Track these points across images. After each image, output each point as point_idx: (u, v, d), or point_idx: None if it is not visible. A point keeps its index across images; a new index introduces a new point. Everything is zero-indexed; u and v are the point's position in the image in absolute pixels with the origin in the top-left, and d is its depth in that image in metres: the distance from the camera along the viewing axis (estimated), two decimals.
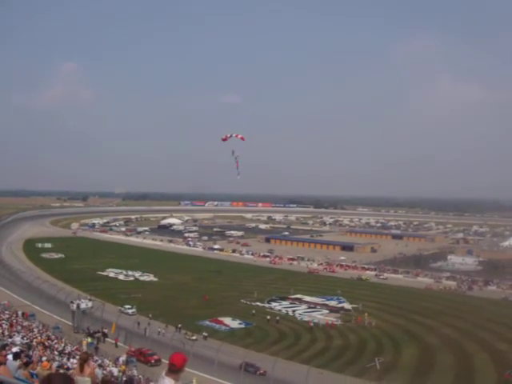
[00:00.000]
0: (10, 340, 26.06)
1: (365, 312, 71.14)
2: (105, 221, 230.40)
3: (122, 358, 45.23)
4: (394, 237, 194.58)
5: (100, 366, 34.82)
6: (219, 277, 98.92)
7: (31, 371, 12.68)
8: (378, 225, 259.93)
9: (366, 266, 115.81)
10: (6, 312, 47.20)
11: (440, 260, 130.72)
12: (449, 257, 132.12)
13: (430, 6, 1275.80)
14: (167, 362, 6.65)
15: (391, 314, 72.25)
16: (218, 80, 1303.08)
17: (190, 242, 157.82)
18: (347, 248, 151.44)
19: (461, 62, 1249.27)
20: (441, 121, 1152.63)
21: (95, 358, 38.43)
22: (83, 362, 10.08)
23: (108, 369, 35.55)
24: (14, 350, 18.04)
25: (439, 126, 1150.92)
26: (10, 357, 13.34)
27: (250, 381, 44.58)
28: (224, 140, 37.47)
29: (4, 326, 34.27)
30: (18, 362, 12.90)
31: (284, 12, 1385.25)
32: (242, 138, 37.99)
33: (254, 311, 71.01)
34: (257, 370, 46.89)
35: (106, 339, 54.18)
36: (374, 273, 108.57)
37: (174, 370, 6.25)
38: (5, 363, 10.83)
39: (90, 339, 50.76)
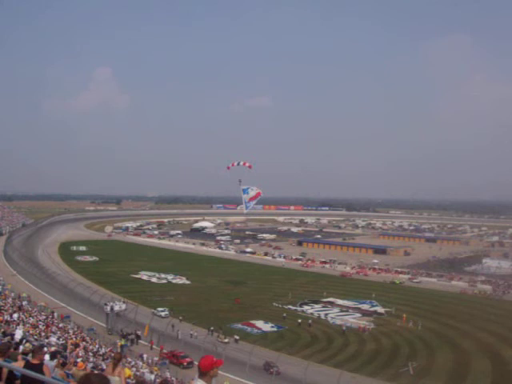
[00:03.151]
0: (46, 340, 26.62)
1: (403, 314, 70.62)
2: (138, 224, 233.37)
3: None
4: (428, 240, 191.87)
5: (133, 366, 35.33)
6: (251, 280, 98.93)
7: (66, 371, 13.00)
8: (411, 228, 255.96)
9: (399, 270, 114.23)
10: (43, 313, 48.18)
11: (475, 263, 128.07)
12: (484, 260, 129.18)
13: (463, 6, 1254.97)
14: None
15: (425, 317, 71.07)
16: (247, 84, 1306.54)
17: (223, 245, 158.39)
18: (380, 251, 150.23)
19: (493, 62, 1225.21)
20: (474, 120, 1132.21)
21: (128, 359, 38.99)
22: (116, 361, 10.33)
23: (141, 370, 36.04)
24: (51, 350, 18.45)
25: (473, 125, 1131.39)
26: (47, 357, 13.67)
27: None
28: (229, 169, 35.94)
29: (41, 326, 35.00)
30: (54, 362, 13.23)
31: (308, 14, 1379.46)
32: (250, 167, 36.63)
33: (284, 314, 70.84)
34: (270, 367, 46.38)
35: (139, 341, 54.86)
36: (407, 276, 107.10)
37: (201, 373, 6.32)
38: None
39: (123, 341, 51.46)
